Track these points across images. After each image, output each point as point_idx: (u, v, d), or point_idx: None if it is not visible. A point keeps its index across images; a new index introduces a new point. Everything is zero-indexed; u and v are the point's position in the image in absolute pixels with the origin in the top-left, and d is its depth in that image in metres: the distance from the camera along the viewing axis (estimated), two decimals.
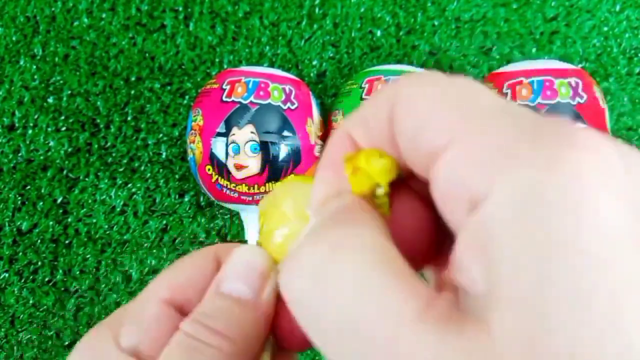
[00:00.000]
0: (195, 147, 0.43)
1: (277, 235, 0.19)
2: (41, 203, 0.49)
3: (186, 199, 0.49)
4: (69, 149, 0.49)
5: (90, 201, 0.49)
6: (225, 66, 0.50)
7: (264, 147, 0.42)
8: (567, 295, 0.10)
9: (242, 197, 0.43)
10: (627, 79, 0.50)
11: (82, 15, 0.51)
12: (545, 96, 0.41)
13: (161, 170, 0.49)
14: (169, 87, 0.50)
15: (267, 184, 0.42)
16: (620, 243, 0.10)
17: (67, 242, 0.48)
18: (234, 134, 0.42)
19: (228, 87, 0.43)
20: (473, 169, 0.12)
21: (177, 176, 0.49)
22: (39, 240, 0.48)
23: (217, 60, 0.50)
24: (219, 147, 0.42)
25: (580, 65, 0.50)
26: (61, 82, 0.50)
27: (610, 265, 0.10)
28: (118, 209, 0.49)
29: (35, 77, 0.50)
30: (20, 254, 0.48)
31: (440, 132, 0.13)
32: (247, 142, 0.42)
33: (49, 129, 0.49)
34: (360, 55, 0.50)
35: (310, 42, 0.50)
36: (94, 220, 0.48)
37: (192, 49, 0.50)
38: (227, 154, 0.42)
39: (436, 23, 0.50)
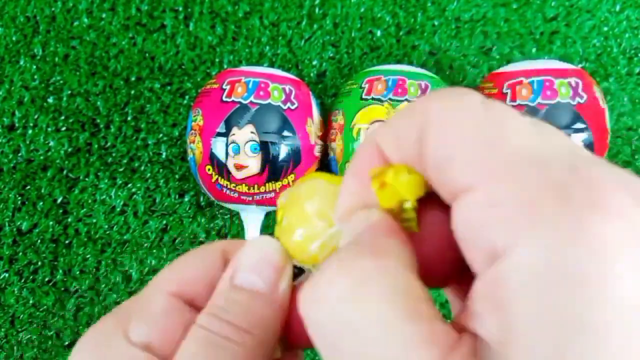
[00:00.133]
0: (195, 147, 0.43)
1: (298, 234, 0.18)
2: (41, 203, 0.49)
3: (186, 199, 0.49)
4: (69, 149, 0.49)
5: (90, 201, 0.49)
6: (225, 66, 0.50)
7: (264, 147, 0.42)
8: None
9: (242, 197, 0.43)
10: (627, 79, 0.50)
11: (82, 15, 0.51)
12: (545, 96, 0.41)
13: (161, 170, 0.49)
14: (169, 87, 0.50)
15: (267, 184, 0.42)
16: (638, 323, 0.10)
17: (67, 242, 0.48)
18: (234, 134, 0.42)
19: (228, 87, 0.43)
20: (495, 221, 0.12)
21: (177, 176, 0.49)
22: (39, 240, 0.48)
23: (217, 60, 0.50)
24: (219, 147, 0.42)
25: (580, 65, 0.50)
26: (61, 82, 0.50)
27: (627, 348, 0.10)
28: (118, 209, 0.49)
29: (35, 77, 0.50)
30: (20, 254, 0.48)
31: (465, 170, 0.13)
32: (247, 142, 0.42)
33: (49, 129, 0.49)
34: (360, 55, 0.50)
35: (310, 42, 0.50)
36: (94, 220, 0.48)
37: (192, 49, 0.50)
38: (227, 154, 0.42)
39: (436, 23, 0.50)
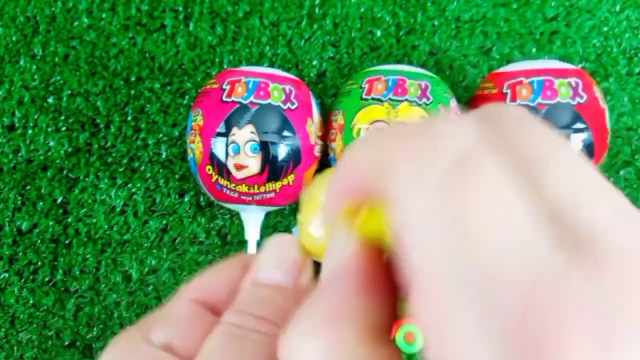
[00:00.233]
0: (195, 147, 0.43)
1: (311, 229, 0.19)
2: (41, 203, 0.49)
3: (186, 199, 0.49)
4: (69, 149, 0.49)
5: (90, 201, 0.49)
6: (225, 66, 0.50)
7: (264, 147, 0.42)
8: None
9: (242, 197, 0.43)
10: (627, 79, 0.50)
11: (82, 15, 0.51)
12: (545, 96, 0.41)
13: (161, 170, 0.49)
14: (169, 87, 0.50)
15: (267, 184, 0.42)
16: None
17: (67, 242, 0.48)
18: (234, 134, 0.42)
19: (228, 87, 0.43)
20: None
21: (177, 176, 0.49)
22: (39, 240, 0.48)
23: (217, 60, 0.50)
24: (219, 147, 0.42)
25: (580, 65, 0.50)
26: (61, 82, 0.50)
27: None
28: (118, 209, 0.49)
29: (35, 77, 0.50)
30: (20, 254, 0.48)
31: (417, 263, 0.11)
32: (247, 142, 0.42)
33: (49, 129, 0.49)
34: (360, 55, 0.50)
35: (310, 42, 0.50)
36: (94, 220, 0.48)
37: (192, 49, 0.50)
38: (227, 154, 0.42)
39: (436, 23, 0.50)
